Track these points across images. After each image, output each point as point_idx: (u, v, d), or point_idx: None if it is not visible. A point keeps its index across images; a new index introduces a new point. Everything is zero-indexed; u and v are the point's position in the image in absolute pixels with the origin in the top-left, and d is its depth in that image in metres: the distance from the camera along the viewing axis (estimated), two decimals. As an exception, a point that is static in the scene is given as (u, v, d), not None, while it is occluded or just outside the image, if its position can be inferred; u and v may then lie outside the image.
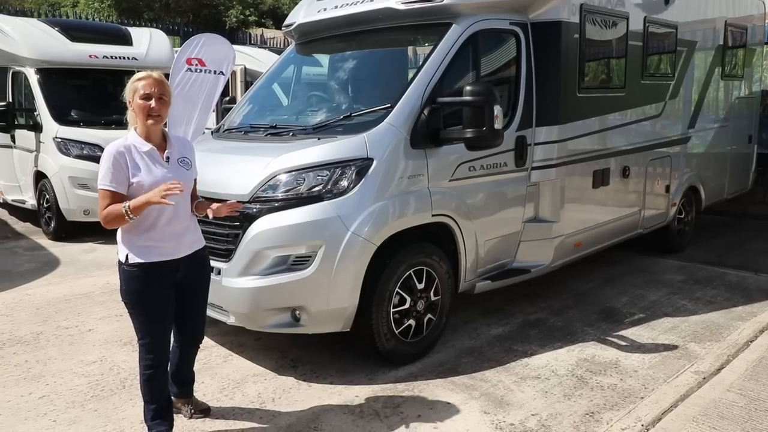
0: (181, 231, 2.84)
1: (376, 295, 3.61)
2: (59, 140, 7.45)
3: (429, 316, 3.98)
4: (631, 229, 5.83)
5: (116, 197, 2.64)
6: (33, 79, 7.87)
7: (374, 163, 3.62)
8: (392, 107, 3.79)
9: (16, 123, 7.97)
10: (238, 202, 3.08)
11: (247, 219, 3.57)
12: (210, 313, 3.78)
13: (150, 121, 2.71)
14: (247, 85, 12.11)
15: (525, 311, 4.92)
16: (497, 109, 3.68)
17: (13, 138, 8.25)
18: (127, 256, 2.74)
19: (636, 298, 5.24)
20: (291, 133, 4.03)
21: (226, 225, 3.68)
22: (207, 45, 7.29)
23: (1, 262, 6.61)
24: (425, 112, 3.81)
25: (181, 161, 2.86)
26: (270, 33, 19.17)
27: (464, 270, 4.20)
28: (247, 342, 4.26)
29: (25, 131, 7.93)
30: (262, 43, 18.22)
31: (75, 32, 8.42)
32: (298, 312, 3.52)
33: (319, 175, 3.58)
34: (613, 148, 5.34)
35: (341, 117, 4.01)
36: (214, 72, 7.36)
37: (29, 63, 7.91)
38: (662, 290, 5.46)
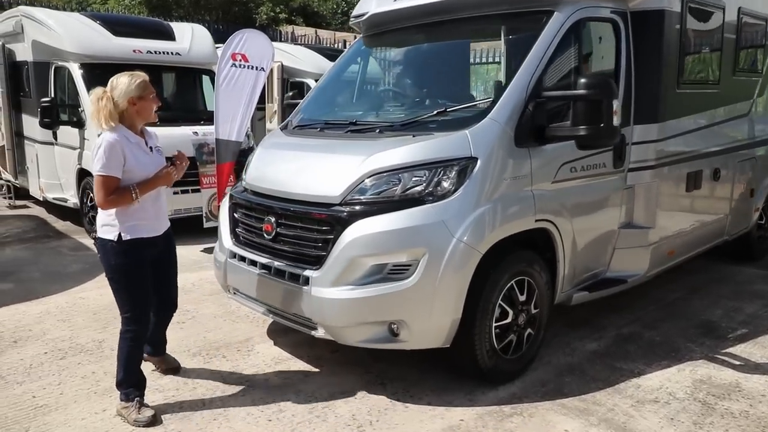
0: (161, 211, 3.26)
1: (479, 308, 3.29)
2: (104, 137, 7.21)
3: (529, 330, 3.64)
4: (718, 236, 5.43)
5: (116, 182, 3.00)
6: (77, 74, 7.63)
7: (478, 162, 3.29)
8: (495, 102, 3.45)
9: (59, 119, 7.75)
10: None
11: (340, 223, 3.26)
12: (296, 326, 3.50)
13: (154, 117, 3.18)
14: (284, 82, 11.87)
15: (615, 324, 4.55)
16: (616, 104, 3.33)
17: (54, 135, 8.04)
18: (119, 234, 3.07)
19: (731, 311, 4.85)
20: (378, 130, 3.71)
21: (314, 229, 3.38)
22: (249, 40, 7.04)
23: (48, 262, 6.38)
24: (530, 106, 3.48)
25: (157, 150, 3.25)
26: (300, 30, 18.93)
27: (562, 280, 3.86)
28: (323, 355, 3.95)
29: (68, 128, 7.70)
30: (293, 41, 18.00)
31: (118, 27, 8.17)
32: (396, 326, 3.20)
33: (417, 176, 3.26)
34: (706, 149, 4.95)
35: (434, 112, 3.68)
36: (256, 68, 7.11)
37: (73, 58, 7.68)
38: (756, 302, 5.06)
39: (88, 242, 7.32)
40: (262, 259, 3.65)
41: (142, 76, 3.11)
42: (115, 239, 3.07)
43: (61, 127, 7.83)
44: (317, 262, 3.32)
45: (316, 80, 11.70)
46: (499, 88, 3.53)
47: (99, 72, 7.73)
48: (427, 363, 3.75)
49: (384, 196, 3.26)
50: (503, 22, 3.98)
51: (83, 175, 7.59)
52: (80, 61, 7.65)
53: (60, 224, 8.34)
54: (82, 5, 22.04)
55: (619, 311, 4.76)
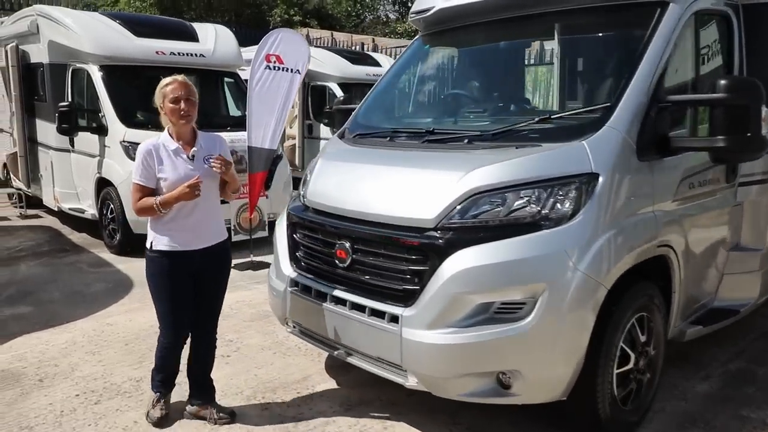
0: (198, 224, 3.03)
1: (602, 352, 2.76)
2: (127, 144, 6.69)
3: (648, 375, 3.12)
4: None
5: (146, 191, 2.97)
6: (96, 76, 7.14)
7: (600, 179, 2.76)
8: (612, 107, 2.93)
9: (78, 125, 7.23)
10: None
11: (437, 252, 2.73)
12: (378, 371, 2.97)
13: (182, 122, 2.96)
14: (305, 86, 11.34)
15: (717, 358, 4.02)
16: (765, 110, 2.81)
17: (71, 141, 7.54)
18: (151, 243, 3.02)
19: (841, 342, 4.32)
20: (466, 140, 3.18)
21: (402, 258, 2.85)
22: (284, 41, 6.56)
23: (67, 280, 5.86)
24: (652, 112, 2.96)
25: (206, 159, 3.01)
26: (316, 33, 18.42)
27: (676, 313, 3.33)
28: (398, 398, 3.42)
29: (87, 134, 7.20)
30: (308, 43, 17.49)
31: (139, 27, 7.67)
32: (507, 377, 2.67)
33: (528, 196, 2.74)
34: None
35: (534, 119, 3.15)
36: (291, 70, 6.63)
37: (93, 59, 7.18)
38: None
39: (108, 257, 6.82)
40: (334, 291, 3.13)
41: (167, 80, 3.00)
42: (149, 247, 3.04)
43: (79, 133, 7.34)
44: (408, 297, 2.79)
45: (339, 84, 11.31)
46: (613, 92, 3.01)
47: (120, 74, 7.29)
48: (519, 411, 3.21)
49: (488, 221, 2.74)
50: (605, 15, 3.45)
51: (103, 184, 7.08)
52: (100, 62, 7.17)
53: (76, 236, 7.83)
54: (90, 7, 21.58)
55: (717, 342, 4.22)
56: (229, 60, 8.21)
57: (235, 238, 6.70)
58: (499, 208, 2.75)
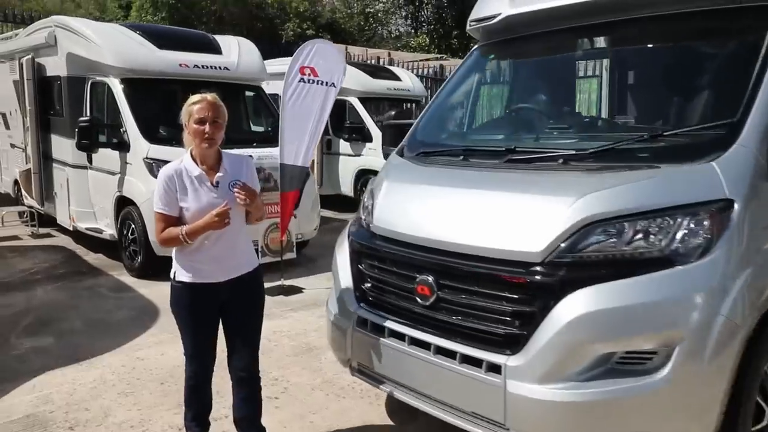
0: (223, 254, 2.79)
1: (741, 407, 2.36)
2: (150, 161, 6.33)
3: (777, 430, 2.71)
4: None
5: (170, 220, 2.73)
6: (118, 90, 6.81)
7: (736, 206, 2.38)
8: (740, 122, 2.55)
9: (98, 141, 6.88)
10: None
11: (548, 291, 2.35)
12: (469, 427, 2.57)
13: (204, 145, 2.71)
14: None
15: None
16: None
17: (89, 158, 7.18)
18: (174, 273, 2.81)
19: None
20: (560, 160, 2.80)
21: (502, 297, 2.46)
22: (319, 53, 6.25)
23: (88, 307, 5.47)
24: (782, 130, 2.58)
25: (232, 184, 2.75)
26: (329, 47, 18.20)
27: (795, 357, 2.93)
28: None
29: (107, 150, 6.84)
30: (320, 58, 17.21)
31: (162, 39, 7.33)
32: (636, 442, 2.27)
33: (656, 227, 2.35)
34: None
35: (643, 136, 2.78)
36: (326, 83, 6.31)
37: (114, 72, 6.85)
38: None
39: (129, 280, 6.43)
40: (414, 332, 2.74)
41: (195, 98, 2.74)
42: (172, 277, 2.83)
43: (98, 149, 6.98)
44: (511, 343, 2.40)
45: (360, 98, 11.00)
46: (735, 106, 2.62)
47: (142, 88, 6.95)
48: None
49: (608, 255, 2.35)
50: (712, 20, 3.05)
51: (123, 203, 6.72)
52: (122, 75, 6.84)
53: (91, 257, 7.44)
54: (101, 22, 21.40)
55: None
56: (253, 73, 7.89)
57: (262, 260, 6.30)
58: (620, 241, 2.36)
